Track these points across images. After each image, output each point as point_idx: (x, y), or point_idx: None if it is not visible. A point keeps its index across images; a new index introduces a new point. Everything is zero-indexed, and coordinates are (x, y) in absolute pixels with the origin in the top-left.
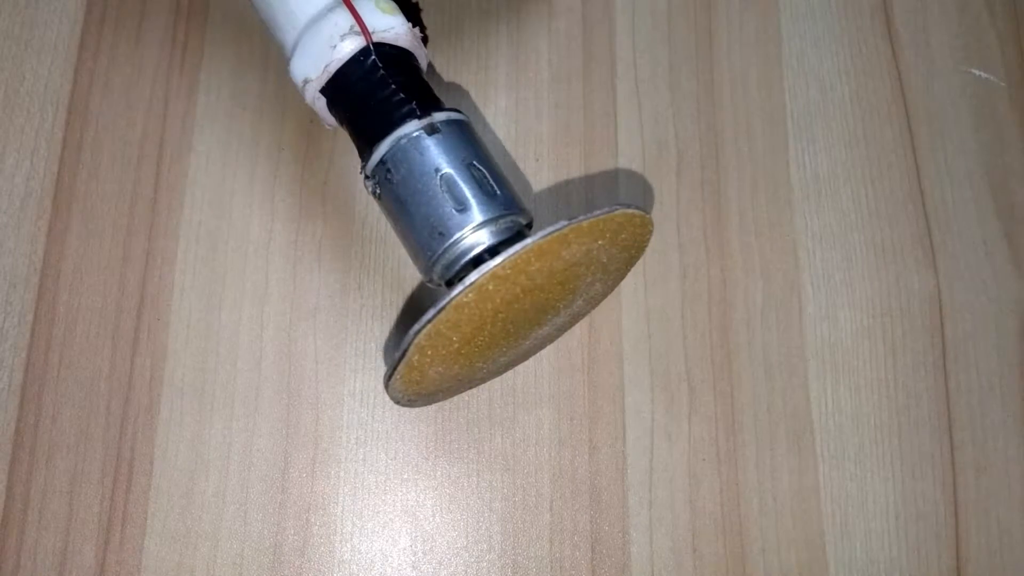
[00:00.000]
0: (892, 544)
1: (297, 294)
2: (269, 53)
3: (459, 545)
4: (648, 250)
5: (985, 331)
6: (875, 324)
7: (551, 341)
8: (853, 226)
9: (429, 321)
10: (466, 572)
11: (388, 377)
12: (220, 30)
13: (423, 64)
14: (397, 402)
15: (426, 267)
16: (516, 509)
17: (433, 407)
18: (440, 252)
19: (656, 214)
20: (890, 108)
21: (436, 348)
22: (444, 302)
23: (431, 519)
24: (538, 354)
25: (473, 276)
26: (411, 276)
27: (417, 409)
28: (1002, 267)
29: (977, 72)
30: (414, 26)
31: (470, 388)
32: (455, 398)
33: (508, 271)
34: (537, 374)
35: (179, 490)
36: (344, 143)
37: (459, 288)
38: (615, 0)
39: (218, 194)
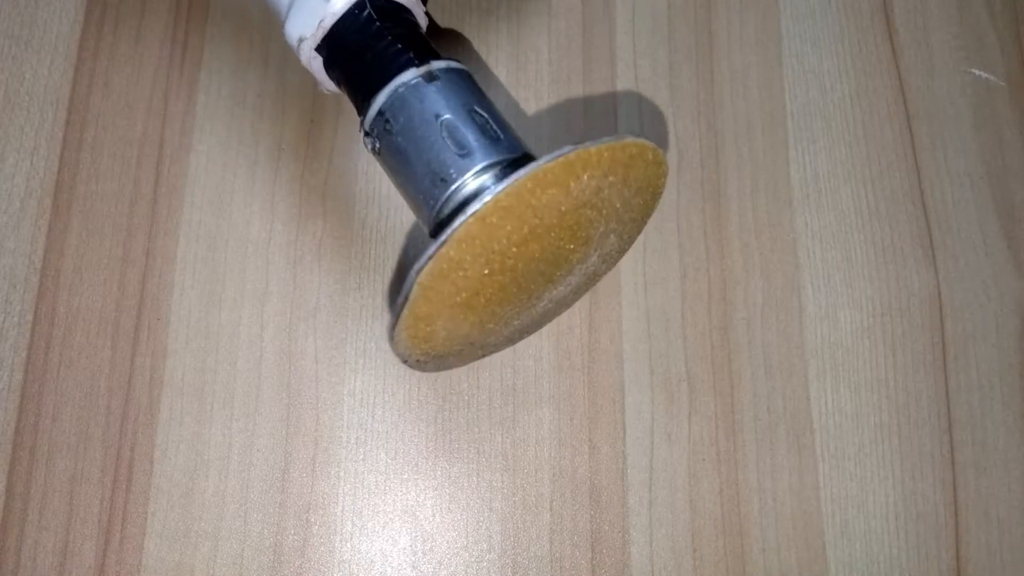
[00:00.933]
0: (892, 544)
1: (297, 294)
2: (269, 52)
3: (459, 545)
4: (648, 250)
5: (985, 331)
6: (875, 324)
7: (566, 307)
8: (853, 226)
9: (431, 257)
10: (466, 572)
11: (392, 328)
12: (220, 29)
13: (421, 22)
14: (405, 362)
15: (430, 218)
16: (516, 509)
17: (433, 407)
18: (443, 199)
19: (656, 214)
20: (890, 108)
21: (441, 293)
22: (444, 236)
23: (431, 519)
24: (538, 354)
25: (474, 206)
26: None
27: (417, 409)
28: (1002, 267)
29: (977, 72)
30: None
31: (483, 355)
32: (454, 397)
33: (512, 200)
34: (537, 374)
35: (179, 490)
36: (344, 143)
37: (460, 219)
38: (615, 0)
39: (218, 194)
